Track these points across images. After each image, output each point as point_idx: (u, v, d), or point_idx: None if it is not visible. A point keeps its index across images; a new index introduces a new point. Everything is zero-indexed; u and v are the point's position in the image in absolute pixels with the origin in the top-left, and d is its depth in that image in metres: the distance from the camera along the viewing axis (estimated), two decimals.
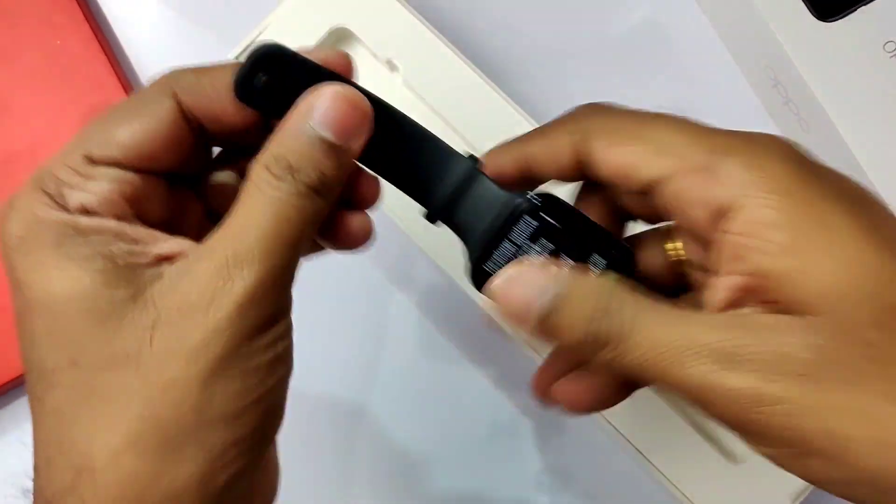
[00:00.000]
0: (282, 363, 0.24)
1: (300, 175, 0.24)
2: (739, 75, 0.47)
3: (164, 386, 0.22)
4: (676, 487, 0.38)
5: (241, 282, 0.23)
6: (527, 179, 0.27)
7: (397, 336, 0.46)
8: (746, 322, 0.21)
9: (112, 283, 0.23)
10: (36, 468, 0.23)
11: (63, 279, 0.23)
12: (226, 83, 0.25)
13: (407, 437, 0.45)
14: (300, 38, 0.39)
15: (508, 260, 0.26)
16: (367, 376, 0.46)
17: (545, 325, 0.23)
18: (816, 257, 0.20)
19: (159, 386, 0.22)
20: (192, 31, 0.48)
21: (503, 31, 0.47)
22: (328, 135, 0.24)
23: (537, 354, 0.39)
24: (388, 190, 0.41)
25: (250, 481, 0.25)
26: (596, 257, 0.26)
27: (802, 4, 0.41)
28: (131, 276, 0.23)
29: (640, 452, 0.38)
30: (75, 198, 0.24)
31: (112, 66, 0.45)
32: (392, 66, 0.41)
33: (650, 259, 0.28)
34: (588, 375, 0.27)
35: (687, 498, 0.38)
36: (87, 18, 0.45)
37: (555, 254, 0.26)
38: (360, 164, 0.27)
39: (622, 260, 0.26)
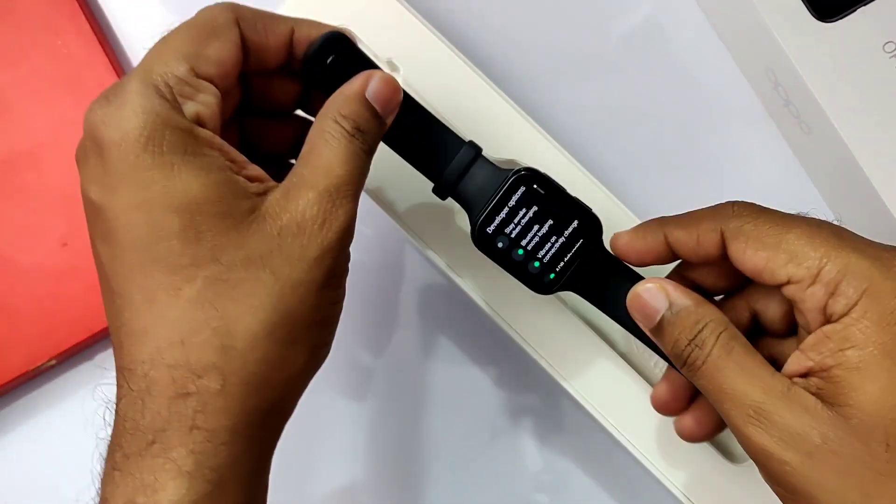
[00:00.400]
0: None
1: (366, 136, 0.29)
2: (740, 76, 0.47)
3: (292, 286, 0.27)
4: (676, 487, 0.38)
5: (343, 210, 0.28)
6: (666, 257, 0.32)
7: (397, 336, 0.46)
8: (791, 395, 0.26)
9: (234, 193, 0.27)
10: (152, 351, 0.26)
11: (197, 184, 0.26)
12: (278, 30, 0.30)
13: (407, 436, 0.45)
14: None
15: (505, 222, 0.32)
16: (367, 376, 0.46)
17: (654, 333, 0.30)
18: (873, 383, 0.25)
19: (289, 286, 0.27)
20: None
21: (503, 31, 0.48)
22: (377, 107, 0.30)
23: (536, 354, 0.39)
24: (388, 195, 0.41)
25: None
26: (574, 221, 0.32)
27: (802, 5, 0.41)
28: (243, 190, 0.27)
29: (641, 452, 0.38)
30: (190, 107, 0.27)
31: (113, 67, 0.45)
32: (393, 67, 0.41)
33: (769, 298, 0.32)
34: (701, 414, 0.33)
35: (687, 498, 0.38)
36: (88, 20, 0.45)
37: (541, 215, 0.32)
38: (386, 145, 0.32)
39: (590, 224, 0.32)
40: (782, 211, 0.29)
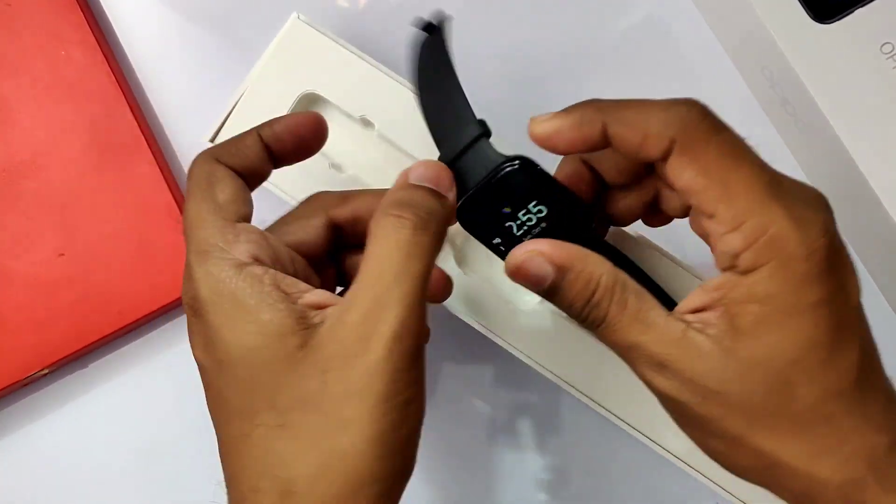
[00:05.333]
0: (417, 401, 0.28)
1: (414, 209, 0.28)
2: (737, 76, 0.47)
3: (342, 423, 0.26)
4: (689, 465, 0.38)
5: (386, 325, 0.26)
6: (598, 148, 0.30)
7: None
8: (686, 341, 0.27)
9: (283, 332, 0.27)
10: (240, 494, 0.28)
11: (248, 333, 0.27)
12: (250, 145, 0.32)
13: None
14: (272, 106, 0.39)
15: (492, 205, 0.31)
16: None
17: (547, 297, 0.30)
18: (769, 336, 0.26)
19: (339, 423, 0.26)
20: (196, 42, 0.48)
21: (493, 43, 0.48)
22: (425, 183, 0.30)
23: (531, 361, 0.39)
24: None
25: None
26: (561, 209, 0.31)
27: (799, 6, 0.41)
28: (295, 326, 0.27)
29: (650, 438, 0.38)
30: (241, 250, 0.29)
31: (116, 76, 0.45)
32: (366, 123, 0.41)
33: (673, 196, 0.32)
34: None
35: (702, 474, 0.38)
36: (91, 29, 0.46)
37: (524, 202, 0.31)
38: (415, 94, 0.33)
39: (582, 212, 0.32)
40: (734, 133, 0.28)
